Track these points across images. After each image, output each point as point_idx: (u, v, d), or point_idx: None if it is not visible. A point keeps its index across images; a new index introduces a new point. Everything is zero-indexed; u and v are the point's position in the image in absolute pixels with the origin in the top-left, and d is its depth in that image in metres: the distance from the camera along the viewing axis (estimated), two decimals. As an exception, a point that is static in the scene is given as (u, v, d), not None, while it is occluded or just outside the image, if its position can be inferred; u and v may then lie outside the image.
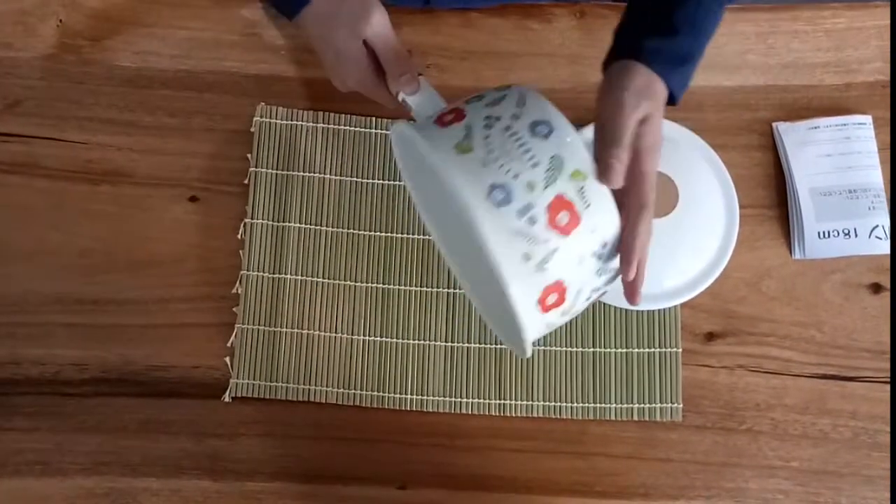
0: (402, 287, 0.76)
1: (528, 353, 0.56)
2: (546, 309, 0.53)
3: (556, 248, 0.51)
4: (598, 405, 0.75)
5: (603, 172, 0.53)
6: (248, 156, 0.78)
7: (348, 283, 0.76)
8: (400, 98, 0.65)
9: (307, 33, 0.71)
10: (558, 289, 0.53)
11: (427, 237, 0.77)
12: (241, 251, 0.76)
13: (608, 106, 0.58)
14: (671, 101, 0.62)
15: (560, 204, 0.50)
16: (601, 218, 0.52)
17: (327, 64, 0.70)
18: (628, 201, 0.55)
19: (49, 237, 0.76)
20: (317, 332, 0.76)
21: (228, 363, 0.74)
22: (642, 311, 0.76)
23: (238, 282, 0.76)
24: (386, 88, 0.67)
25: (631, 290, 0.57)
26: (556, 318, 0.55)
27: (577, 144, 0.52)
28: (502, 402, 0.75)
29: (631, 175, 0.55)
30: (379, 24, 0.66)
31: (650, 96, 0.59)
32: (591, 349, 0.76)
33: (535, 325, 0.54)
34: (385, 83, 0.67)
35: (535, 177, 0.50)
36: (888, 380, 0.75)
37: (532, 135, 0.51)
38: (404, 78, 0.64)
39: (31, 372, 0.74)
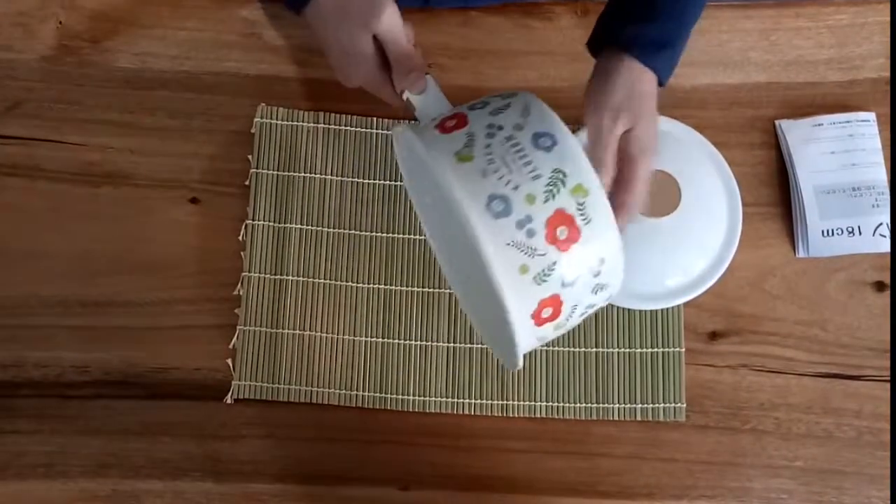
0: (404, 288, 0.76)
1: (519, 366, 0.56)
2: (540, 322, 0.53)
3: (553, 261, 0.50)
4: (600, 405, 0.75)
5: None
6: (249, 157, 0.78)
7: (350, 284, 0.76)
8: (405, 97, 0.63)
9: (312, 28, 0.68)
10: (554, 303, 0.52)
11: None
12: (242, 253, 0.76)
13: (590, 127, 0.59)
14: (659, 83, 0.63)
15: (560, 218, 0.50)
16: (601, 235, 0.51)
17: (333, 60, 0.67)
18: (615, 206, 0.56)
19: (50, 240, 0.76)
20: (318, 334, 0.75)
21: (230, 365, 0.74)
22: (645, 311, 0.75)
23: (239, 283, 0.76)
24: (392, 86, 0.64)
25: None
26: (549, 332, 0.55)
27: (580, 158, 0.51)
28: (505, 402, 0.75)
29: (617, 182, 0.57)
30: (390, 20, 0.63)
31: (630, 106, 0.59)
32: (594, 349, 0.75)
33: (527, 337, 0.54)
34: (391, 81, 0.64)
35: (535, 189, 0.50)
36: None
37: (535, 146, 0.51)
38: (412, 76, 0.62)
39: (34, 374, 0.74)
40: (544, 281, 0.51)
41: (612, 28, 0.63)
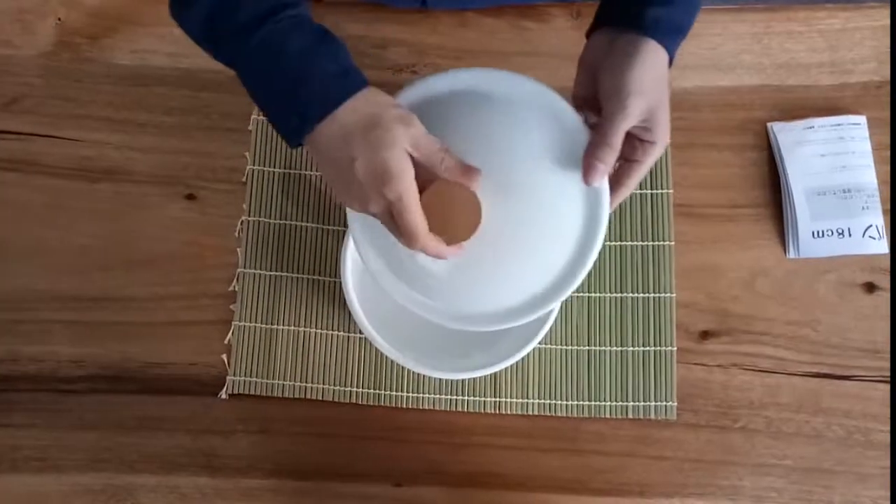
0: (399, 285, 0.77)
1: None
2: None
3: None
4: (592, 403, 0.75)
5: (585, 172, 0.54)
6: (246, 154, 0.78)
7: (345, 281, 0.77)
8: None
9: (325, 146, 0.52)
10: None
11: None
12: (238, 249, 0.77)
13: (611, 102, 0.57)
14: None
15: None
16: None
17: (358, 176, 0.51)
18: (613, 184, 0.57)
19: (47, 235, 0.76)
20: (313, 330, 0.76)
21: (225, 360, 0.75)
22: (637, 309, 0.76)
23: (235, 279, 0.76)
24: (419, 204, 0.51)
25: None
26: None
27: None
28: (498, 399, 0.75)
29: (622, 166, 0.57)
30: (423, 130, 0.52)
31: (656, 90, 0.58)
32: (586, 347, 0.76)
33: None
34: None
35: None
36: (882, 379, 0.76)
37: None
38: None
39: (29, 369, 0.74)
40: None
41: (631, 10, 0.61)
